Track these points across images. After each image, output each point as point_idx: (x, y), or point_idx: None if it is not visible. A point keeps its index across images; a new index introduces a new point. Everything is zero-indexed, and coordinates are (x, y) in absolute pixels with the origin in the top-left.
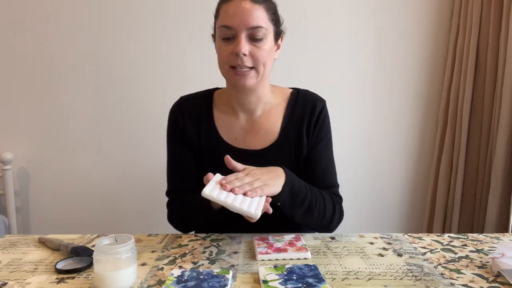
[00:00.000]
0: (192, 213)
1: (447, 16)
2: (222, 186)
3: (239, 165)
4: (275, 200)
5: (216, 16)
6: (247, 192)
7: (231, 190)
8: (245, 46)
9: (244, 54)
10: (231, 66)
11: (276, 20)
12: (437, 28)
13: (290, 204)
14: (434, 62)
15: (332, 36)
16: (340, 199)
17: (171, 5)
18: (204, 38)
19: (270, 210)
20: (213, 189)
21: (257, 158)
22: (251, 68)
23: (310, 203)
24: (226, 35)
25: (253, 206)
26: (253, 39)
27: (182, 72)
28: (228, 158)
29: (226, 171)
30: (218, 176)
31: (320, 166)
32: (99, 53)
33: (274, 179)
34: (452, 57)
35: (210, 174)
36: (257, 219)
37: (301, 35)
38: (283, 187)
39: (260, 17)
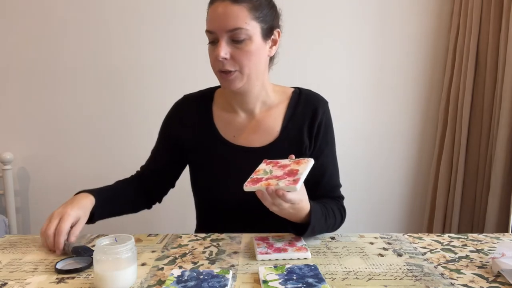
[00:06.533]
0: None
1: (447, 16)
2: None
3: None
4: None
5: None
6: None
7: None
8: (224, 50)
9: (225, 58)
10: (219, 70)
11: (263, 17)
12: (437, 28)
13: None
14: (434, 62)
15: (331, 35)
16: (342, 199)
17: (174, 7)
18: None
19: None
20: None
21: (256, 155)
22: (235, 71)
23: (327, 228)
24: (210, 39)
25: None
26: (235, 41)
27: (185, 73)
28: None
29: (224, 169)
30: None
31: (328, 171)
32: (99, 54)
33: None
34: (452, 57)
35: None
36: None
37: (300, 35)
38: (306, 233)
39: (238, 18)
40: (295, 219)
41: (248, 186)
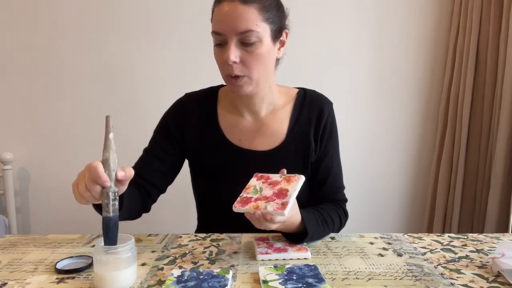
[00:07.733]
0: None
1: (447, 16)
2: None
3: None
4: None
5: (211, 20)
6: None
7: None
8: (234, 53)
9: (235, 62)
10: (227, 74)
11: (273, 18)
12: (437, 28)
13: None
14: (434, 62)
15: (331, 35)
16: (344, 202)
17: (174, 7)
18: (206, 39)
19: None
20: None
21: (263, 159)
22: (244, 76)
23: (324, 234)
24: (217, 41)
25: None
26: (245, 43)
27: (186, 73)
28: None
29: (229, 173)
30: None
31: (332, 173)
32: (100, 54)
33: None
34: (452, 57)
35: None
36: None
37: (300, 35)
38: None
39: (250, 19)
40: (288, 231)
41: (237, 207)
